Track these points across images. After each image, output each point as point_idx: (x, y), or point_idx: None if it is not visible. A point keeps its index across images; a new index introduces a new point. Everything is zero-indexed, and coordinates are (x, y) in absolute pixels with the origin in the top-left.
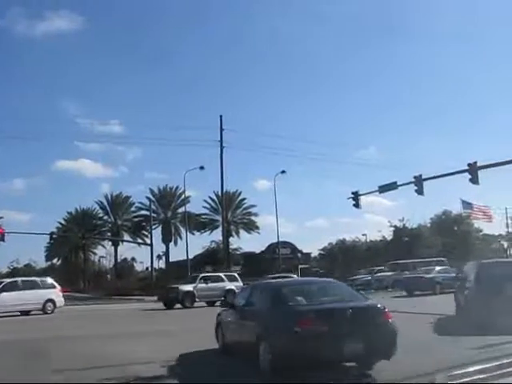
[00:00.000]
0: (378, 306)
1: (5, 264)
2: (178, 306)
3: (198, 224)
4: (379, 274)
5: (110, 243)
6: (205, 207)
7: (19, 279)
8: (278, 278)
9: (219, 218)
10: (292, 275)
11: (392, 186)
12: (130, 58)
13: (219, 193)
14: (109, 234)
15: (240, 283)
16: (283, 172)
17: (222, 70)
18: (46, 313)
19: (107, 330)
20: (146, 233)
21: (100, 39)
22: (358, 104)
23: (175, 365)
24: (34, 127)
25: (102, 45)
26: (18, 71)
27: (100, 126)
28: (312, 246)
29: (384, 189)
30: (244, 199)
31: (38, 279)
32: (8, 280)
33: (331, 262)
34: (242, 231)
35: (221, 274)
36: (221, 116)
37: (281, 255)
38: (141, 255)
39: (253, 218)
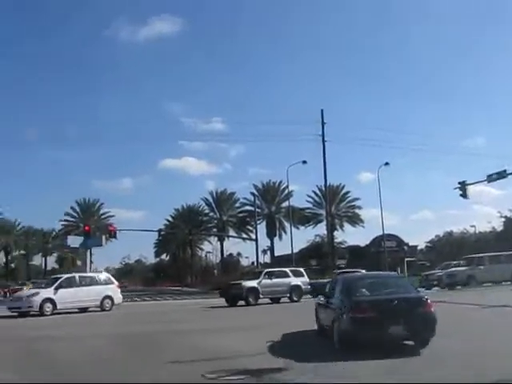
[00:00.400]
0: (422, 297)
1: (117, 260)
2: (241, 302)
3: (301, 218)
4: (453, 269)
5: (216, 239)
6: (308, 201)
7: (77, 275)
8: (345, 272)
9: (323, 211)
10: (360, 270)
11: (502, 175)
12: (227, 57)
13: (322, 187)
14: (215, 229)
15: (306, 279)
16: (387, 164)
17: (321, 63)
18: (104, 310)
19: (210, 324)
20: (251, 228)
21: (199, 39)
22: (460, 94)
23: (277, 356)
24: (141, 128)
25: (202, 45)
26: (124, 76)
27: (203, 125)
28: (418, 239)
29: (493, 178)
30: (348, 192)
31: (95, 275)
32: (65, 276)
33: (438, 255)
34: (346, 224)
35: (286, 269)
36: (322, 110)
37: (386, 248)
38: (246, 250)
39: (357, 211)
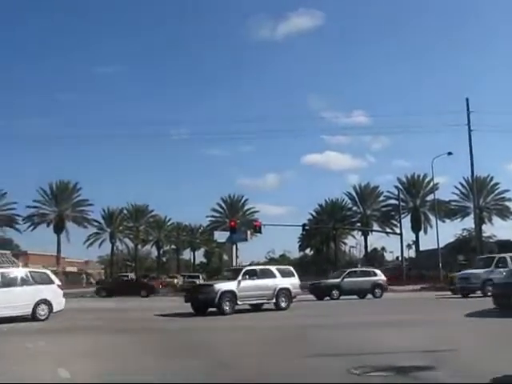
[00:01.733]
0: None
1: (262, 255)
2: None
3: (447, 211)
4: None
5: (360, 233)
6: (454, 193)
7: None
8: None
9: (470, 204)
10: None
11: None
12: (368, 49)
13: (469, 178)
14: (358, 224)
15: (297, 279)
16: None
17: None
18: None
19: (356, 318)
20: (395, 222)
21: (339, 31)
22: None
23: (425, 353)
24: (284, 124)
25: (341, 38)
26: (265, 74)
27: (344, 118)
28: None
29: None
30: (497, 184)
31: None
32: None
33: None
34: (495, 218)
35: (272, 268)
36: (467, 99)
37: None
38: (390, 244)
39: (507, 203)
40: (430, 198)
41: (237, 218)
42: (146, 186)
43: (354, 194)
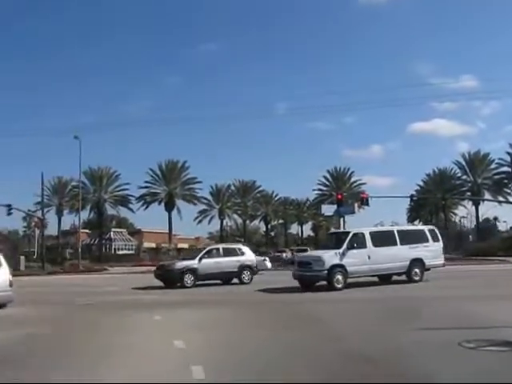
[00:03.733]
0: None
1: (370, 226)
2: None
3: None
4: None
5: (471, 203)
6: None
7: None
8: None
9: None
10: None
11: None
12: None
13: None
14: (469, 193)
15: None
16: None
17: None
18: None
19: (472, 291)
20: (508, 190)
21: None
22: None
23: None
24: (389, 93)
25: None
26: (362, 40)
27: (452, 84)
28: None
29: None
30: None
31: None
32: None
33: None
34: None
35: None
36: None
37: None
38: (504, 214)
39: None
40: None
41: (343, 191)
42: (252, 162)
43: (464, 162)
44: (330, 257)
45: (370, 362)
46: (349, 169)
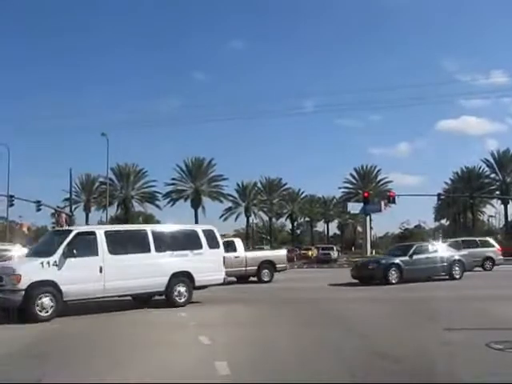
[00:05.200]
0: None
1: (396, 225)
2: None
3: None
4: None
5: (499, 202)
6: None
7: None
8: None
9: None
10: None
11: None
12: None
13: None
14: (497, 192)
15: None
16: None
17: None
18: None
19: (496, 291)
20: None
21: None
22: None
23: None
24: (416, 91)
25: None
26: (389, 37)
27: (482, 80)
28: None
29: None
30: None
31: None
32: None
33: None
34: None
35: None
36: None
37: None
38: None
39: None
40: None
41: (370, 189)
42: (279, 159)
43: (492, 160)
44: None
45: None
46: (376, 167)
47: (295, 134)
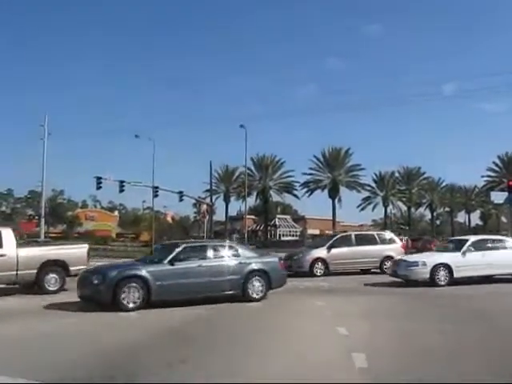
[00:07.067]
0: None
1: None
2: None
3: None
4: None
5: None
6: None
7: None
8: None
9: None
10: None
11: None
12: None
13: None
14: None
15: None
16: None
17: None
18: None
19: None
20: None
21: None
22: None
23: None
24: None
25: None
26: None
27: None
28: None
29: None
30: None
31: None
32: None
33: None
34: None
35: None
36: None
37: None
38: None
39: None
40: None
41: None
42: (417, 148)
43: None
44: None
45: None
46: None
47: (435, 119)
